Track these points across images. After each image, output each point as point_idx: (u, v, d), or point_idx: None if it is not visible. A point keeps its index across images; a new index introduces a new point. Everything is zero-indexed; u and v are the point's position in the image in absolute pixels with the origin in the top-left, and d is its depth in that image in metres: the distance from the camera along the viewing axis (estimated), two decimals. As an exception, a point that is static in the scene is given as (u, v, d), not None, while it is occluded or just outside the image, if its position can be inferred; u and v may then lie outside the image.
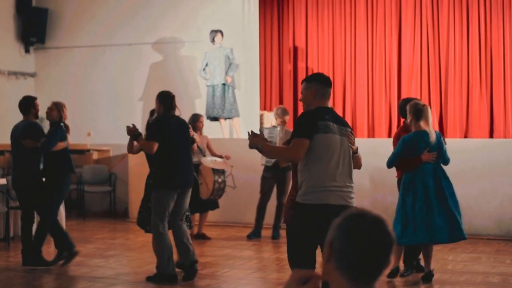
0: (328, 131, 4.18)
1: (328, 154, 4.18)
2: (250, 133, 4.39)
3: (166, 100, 6.22)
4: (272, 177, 8.39)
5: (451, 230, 6.13)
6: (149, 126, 6.44)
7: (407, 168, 6.20)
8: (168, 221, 6.23)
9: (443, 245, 7.16)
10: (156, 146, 6.06)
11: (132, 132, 6.12)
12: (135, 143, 6.35)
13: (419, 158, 6.11)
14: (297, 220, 4.20)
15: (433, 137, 6.13)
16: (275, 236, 8.44)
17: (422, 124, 6.11)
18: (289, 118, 8.46)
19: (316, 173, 4.16)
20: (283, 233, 8.18)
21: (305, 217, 4.15)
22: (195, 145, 6.94)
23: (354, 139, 4.35)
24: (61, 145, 6.93)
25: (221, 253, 7.71)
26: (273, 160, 8.25)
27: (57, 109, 7.02)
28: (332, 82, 4.39)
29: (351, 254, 1.64)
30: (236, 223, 9.48)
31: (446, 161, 6.29)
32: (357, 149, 4.36)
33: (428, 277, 6.26)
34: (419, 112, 6.10)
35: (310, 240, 4.14)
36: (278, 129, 8.26)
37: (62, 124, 7.03)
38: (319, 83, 4.33)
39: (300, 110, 10.27)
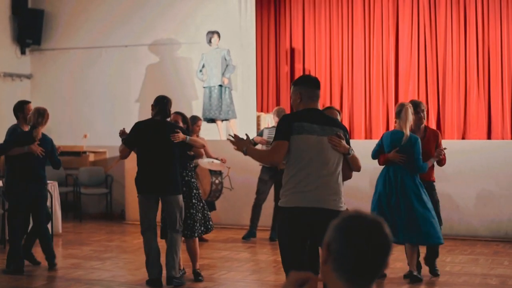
0: (301, 132, 4.17)
1: (300, 155, 4.16)
2: (233, 136, 4.41)
3: (157, 104, 6.11)
4: (270, 178, 8.36)
5: (407, 233, 6.06)
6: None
7: (381, 164, 6.33)
8: (162, 229, 6.23)
9: (441, 246, 7.14)
10: (125, 151, 6.05)
11: (120, 135, 6.13)
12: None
13: (386, 156, 6.22)
14: (279, 223, 4.28)
15: (405, 138, 6.13)
16: (273, 238, 8.41)
17: (401, 123, 6.17)
18: None
19: (291, 175, 4.18)
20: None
21: (284, 220, 4.19)
22: (201, 150, 6.69)
23: (342, 140, 4.22)
24: (15, 151, 6.64)
25: (218, 255, 7.67)
26: None
27: (32, 114, 6.78)
28: (319, 83, 4.37)
29: (349, 255, 1.64)
30: (233, 225, 9.43)
31: (416, 168, 6.17)
32: (349, 150, 4.27)
33: (411, 278, 6.22)
34: (398, 112, 6.20)
35: (293, 242, 4.16)
36: None
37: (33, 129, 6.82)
38: (305, 87, 4.31)
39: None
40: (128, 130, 6.20)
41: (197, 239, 6.44)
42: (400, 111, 6.18)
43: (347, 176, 4.39)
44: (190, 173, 6.39)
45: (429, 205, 6.14)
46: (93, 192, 10.69)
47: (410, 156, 6.15)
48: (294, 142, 4.15)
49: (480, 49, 9.46)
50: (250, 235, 8.52)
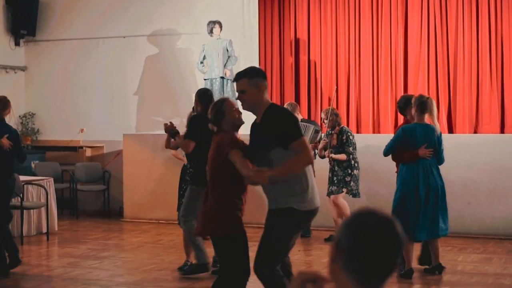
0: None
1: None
2: (254, 175, 4.07)
3: (204, 97, 6.38)
4: None
5: (430, 229, 6.18)
6: (188, 124, 6.54)
7: (403, 160, 6.20)
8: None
9: (452, 245, 7.07)
10: (192, 145, 6.18)
11: (169, 129, 6.25)
12: (172, 140, 6.44)
13: (416, 152, 6.08)
14: (293, 224, 4.36)
15: (438, 130, 6.16)
16: (304, 234, 8.21)
17: (426, 117, 6.10)
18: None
19: (305, 176, 4.12)
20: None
21: (301, 222, 4.41)
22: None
23: None
24: None
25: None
26: None
27: None
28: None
29: (359, 253, 1.61)
30: (247, 224, 9.15)
31: (441, 160, 6.28)
32: None
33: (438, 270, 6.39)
34: (422, 104, 6.07)
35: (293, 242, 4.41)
36: None
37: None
38: (263, 78, 4.17)
39: (303, 104, 9.98)
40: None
41: None
42: (425, 103, 6.08)
43: None
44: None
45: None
46: (90, 188, 10.53)
47: (435, 149, 6.19)
48: None
49: (493, 39, 9.21)
50: None
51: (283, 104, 8.71)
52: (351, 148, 7.71)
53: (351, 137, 7.76)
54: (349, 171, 7.69)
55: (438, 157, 6.21)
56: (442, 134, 6.37)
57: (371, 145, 8.56)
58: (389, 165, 6.56)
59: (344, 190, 7.68)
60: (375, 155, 8.30)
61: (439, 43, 9.43)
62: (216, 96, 9.54)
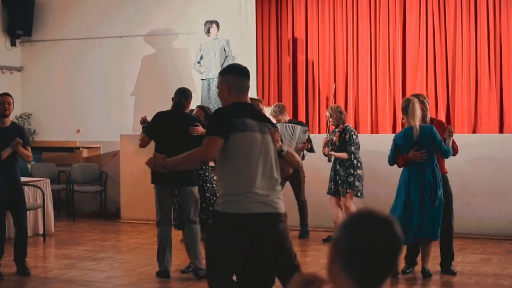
0: (245, 130, 3.83)
1: (247, 156, 3.81)
2: (150, 162, 3.91)
3: (176, 95, 6.39)
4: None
5: (416, 232, 6.11)
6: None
7: (402, 166, 6.23)
8: (177, 220, 6.45)
9: None
10: (146, 140, 6.21)
11: (141, 123, 6.35)
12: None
13: (406, 156, 6.10)
14: (214, 230, 3.92)
15: (416, 133, 6.04)
16: (302, 235, 8.19)
17: (410, 120, 6.07)
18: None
19: (235, 177, 3.81)
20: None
21: (225, 228, 3.82)
22: None
23: (278, 136, 3.98)
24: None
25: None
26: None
27: None
28: (249, 73, 4.04)
29: (358, 253, 1.61)
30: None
31: (443, 153, 6.14)
32: (281, 146, 3.99)
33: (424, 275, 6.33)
34: (405, 108, 6.09)
35: (230, 254, 3.85)
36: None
37: None
38: (234, 76, 3.99)
39: (301, 104, 9.94)
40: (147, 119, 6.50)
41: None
42: (406, 106, 6.09)
43: (286, 172, 4.14)
44: (204, 167, 6.56)
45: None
46: (86, 189, 10.47)
47: (430, 148, 6.07)
48: (238, 140, 3.80)
49: (492, 38, 9.17)
50: None
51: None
52: (353, 148, 7.60)
53: (354, 137, 7.65)
54: (351, 171, 7.59)
55: (440, 153, 6.12)
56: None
57: (369, 145, 8.52)
58: (387, 166, 6.51)
59: (349, 191, 7.59)
60: (374, 156, 8.29)
61: (438, 42, 9.38)
62: (214, 96, 9.53)
